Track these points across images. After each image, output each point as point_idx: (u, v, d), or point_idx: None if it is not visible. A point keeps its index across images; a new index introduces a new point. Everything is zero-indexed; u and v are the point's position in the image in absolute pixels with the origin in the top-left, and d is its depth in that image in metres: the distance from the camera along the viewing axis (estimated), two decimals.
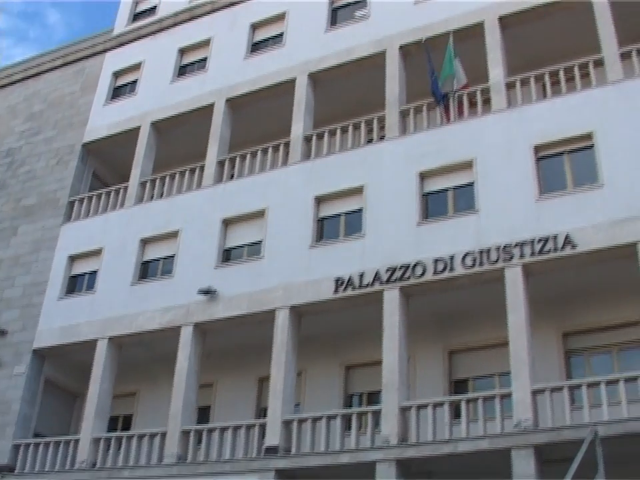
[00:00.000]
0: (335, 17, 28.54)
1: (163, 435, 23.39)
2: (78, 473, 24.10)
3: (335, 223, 24.16)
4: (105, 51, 33.97)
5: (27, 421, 26.22)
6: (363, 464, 20.07)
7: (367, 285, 22.05)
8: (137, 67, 32.36)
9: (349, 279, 22.31)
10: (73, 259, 28.63)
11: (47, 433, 26.38)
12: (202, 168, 27.62)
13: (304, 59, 27.57)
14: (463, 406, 19.88)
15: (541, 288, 20.79)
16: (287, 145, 26.33)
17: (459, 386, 22.66)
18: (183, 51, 31.50)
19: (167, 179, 28.35)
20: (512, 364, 19.49)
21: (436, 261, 21.38)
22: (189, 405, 23.61)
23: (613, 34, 22.77)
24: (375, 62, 26.18)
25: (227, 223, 25.85)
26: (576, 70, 22.94)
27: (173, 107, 29.73)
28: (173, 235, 26.67)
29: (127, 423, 27.29)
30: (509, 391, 19.39)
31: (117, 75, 32.89)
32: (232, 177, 27.15)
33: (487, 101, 23.78)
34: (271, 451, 21.38)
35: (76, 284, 28.32)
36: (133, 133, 30.17)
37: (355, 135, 25.49)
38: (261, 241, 24.81)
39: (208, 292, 24.27)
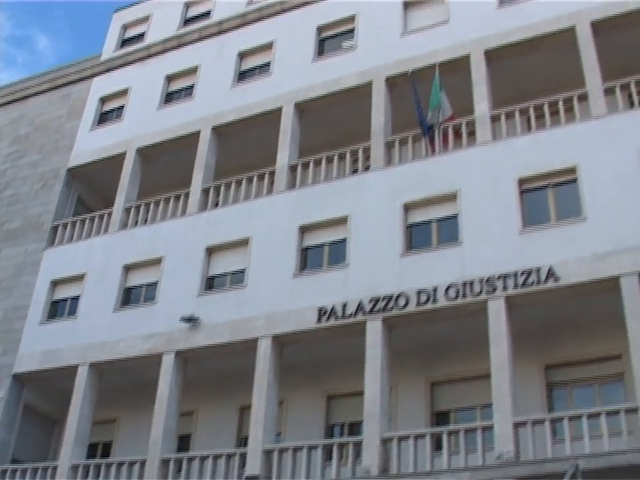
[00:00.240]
0: (322, 47, 28.75)
1: (143, 462, 23.18)
2: None
3: (318, 252, 24.17)
4: (92, 76, 34.01)
5: (4, 447, 25.93)
6: None
7: (350, 315, 22.02)
8: (123, 92, 32.40)
9: (332, 309, 22.27)
10: (55, 283, 28.49)
11: (24, 459, 26.12)
12: (187, 195, 27.62)
13: (290, 89, 27.72)
14: (445, 438, 19.80)
15: (524, 320, 20.82)
16: (272, 173, 26.39)
17: (440, 417, 22.57)
18: (170, 78, 31.61)
19: (152, 206, 28.34)
20: (494, 396, 19.45)
21: (419, 292, 21.39)
22: (169, 432, 23.43)
23: (596, 69, 23.04)
24: (361, 93, 26.35)
25: (211, 250, 25.81)
26: (560, 104, 23.17)
27: (159, 134, 29.77)
28: (157, 261, 26.61)
29: (106, 450, 27.02)
30: (491, 423, 19.33)
31: (103, 100, 32.93)
32: (216, 204, 27.17)
33: (471, 134, 23.94)
34: None
35: (58, 309, 28.15)
36: (119, 159, 30.16)
37: (340, 165, 25.59)
38: (244, 270, 24.77)
39: (190, 320, 24.18)
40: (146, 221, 28.29)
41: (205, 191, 27.40)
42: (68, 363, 26.01)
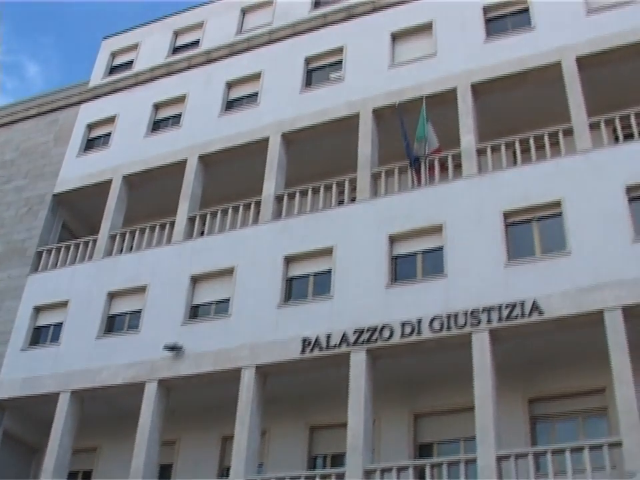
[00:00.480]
0: (310, 78, 28.91)
1: None
2: None
3: (303, 283, 24.16)
4: (80, 102, 34.06)
5: None
6: None
7: (334, 347, 21.98)
8: (111, 119, 32.45)
9: (316, 340, 22.23)
10: (38, 309, 28.36)
11: None
12: (172, 223, 27.62)
13: (278, 119, 27.84)
14: (428, 470, 19.75)
15: (508, 353, 20.87)
16: (258, 203, 26.44)
17: (423, 450, 22.51)
18: (157, 106, 31.68)
19: (137, 233, 28.31)
20: (477, 429, 19.42)
21: (403, 324, 21.39)
22: (151, 462, 23.25)
23: (582, 104, 23.24)
24: (348, 124, 26.50)
25: (196, 279, 25.77)
26: (546, 138, 23.36)
27: (146, 162, 29.80)
28: (141, 289, 26.52)
29: (86, 479, 26.80)
30: (474, 456, 19.28)
31: (90, 126, 32.96)
32: (202, 233, 27.17)
33: (457, 166, 24.10)
34: None
35: (40, 335, 27.99)
36: (105, 186, 30.14)
37: (326, 196, 25.66)
38: (229, 299, 24.72)
39: (174, 348, 24.08)
40: (131, 248, 28.24)
41: (191, 220, 27.40)
42: (49, 390, 25.83)
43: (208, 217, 27.22)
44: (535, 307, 20.17)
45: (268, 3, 32.70)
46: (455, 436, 22.00)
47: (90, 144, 32.56)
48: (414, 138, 24.37)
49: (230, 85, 30.45)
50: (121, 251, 28.33)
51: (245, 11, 33.12)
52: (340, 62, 28.47)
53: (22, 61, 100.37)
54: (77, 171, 31.39)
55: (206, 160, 28.77)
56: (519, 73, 24.78)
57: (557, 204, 21.74)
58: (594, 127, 22.98)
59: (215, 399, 24.36)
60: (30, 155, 33.58)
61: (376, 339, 21.59)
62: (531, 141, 23.46)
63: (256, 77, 29.94)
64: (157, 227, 27.98)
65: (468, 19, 26.86)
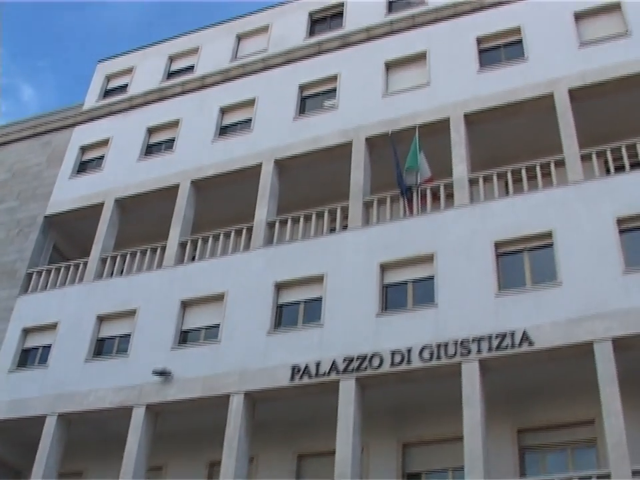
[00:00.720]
0: (304, 105, 29.03)
1: None
2: None
3: (294, 310, 24.13)
4: (73, 124, 34.10)
5: None
6: None
7: (324, 374, 21.92)
8: (104, 142, 32.49)
9: (306, 367, 22.18)
10: (27, 331, 28.20)
11: None
12: (163, 248, 27.60)
13: (271, 145, 27.91)
14: None
15: (498, 383, 20.84)
16: (249, 229, 26.45)
17: (412, 479, 22.41)
18: (151, 130, 31.74)
19: (128, 257, 28.28)
20: (466, 459, 19.33)
21: (393, 352, 21.36)
22: None
23: (574, 135, 23.41)
24: (341, 152, 26.59)
25: (186, 304, 25.72)
26: (538, 169, 23.49)
27: (138, 185, 29.81)
28: (131, 313, 26.44)
29: None
30: None
31: (84, 149, 32.98)
32: (193, 258, 27.16)
33: (449, 196, 24.17)
34: None
35: (28, 357, 27.83)
36: (97, 209, 30.13)
37: (318, 223, 25.71)
38: (218, 325, 24.65)
39: (163, 373, 23.98)
40: (122, 272, 28.20)
41: (182, 245, 27.40)
42: (36, 412, 25.65)
43: (199, 242, 27.22)
44: (525, 337, 20.19)
45: (263, 29, 32.90)
46: (443, 466, 21.92)
47: (83, 166, 32.56)
48: (405, 166, 24.45)
49: (224, 111, 30.55)
50: (112, 274, 28.26)
51: (240, 37, 33.29)
52: (334, 90, 28.61)
53: (17, 84, 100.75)
54: (69, 193, 31.38)
55: (198, 185, 28.80)
56: (511, 103, 24.95)
57: (548, 235, 21.81)
58: (585, 158, 23.13)
59: (203, 424, 24.23)
60: (22, 176, 33.56)
61: (365, 368, 21.55)
62: (523, 172, 23.58)
63: (250, 103, 30.04)
64: (148, 250, 27.95)
65: (462, 49, 27.06)
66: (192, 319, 25.48)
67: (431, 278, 22.54)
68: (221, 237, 26.80)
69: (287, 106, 28.93)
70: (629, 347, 19.47)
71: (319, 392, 22.15)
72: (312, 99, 29.09)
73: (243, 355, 23.44)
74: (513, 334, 20.34)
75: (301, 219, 25.84)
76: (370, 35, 29.33)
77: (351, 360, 21.78)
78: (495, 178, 23.88)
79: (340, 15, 31.48)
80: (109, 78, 35.59)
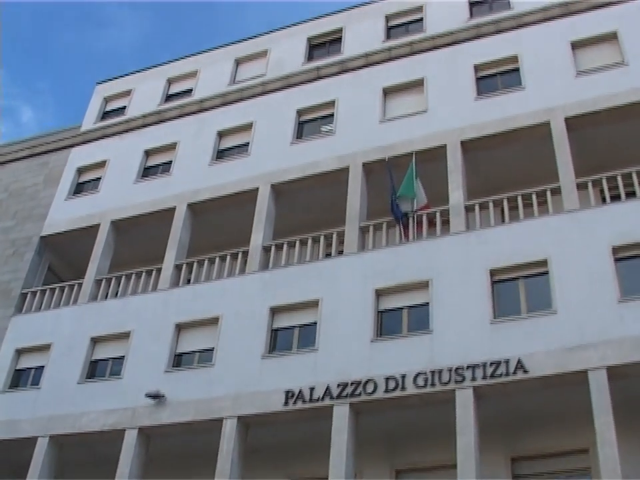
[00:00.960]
0: (301, 130, 29.12)
1: None
2: None
3: (288, 334, 24.08)
4: (71, 146, 34.14)
5: None
6: None
7: (318, 400, 21.86)
8: (101, 164, 32.52)
9: (300, 392, 22.12)
10: (20, 352, 28.10)
11: None
12: (159, 270, 27.59)
13: (268, 170, 27.96)
14: None
15: (492, 411, 20.81)
16: (245, 253, 26.46)
17: None
18: (148, 153, 31.79)
19: (123, 279, 28.27)
20: None
21: (387, 379, 21.31)
22: None
23: (570, 164, 23.47)
24: (338, 177, 26.66)
25: (180, 327, 25.67)
26: (534, 197, 23.56)
27: (134, 208, 29.81)
28: (125, 335, 26.37)
29: None
30: None
31: (81, 170, 33.00)
32: (188, 281, 27.14)
33: (445, 222, 24.20)
34: None
35: (20, 378, 27.72)
36: (92, 230, 30.12)
37: (314, 248, 25.73)
38: (213, 348, 24.59)
39: (156, 396, 23.90)
40: (116, 294, 28.16)
41: (178, 267, 27.38)
42: (28, 434, 25.55)
43: (195, 265, 27.22)
44: (519, 365, 20.16)
45: (262, 54, 33.05)
46: None
47: (79, 188, 32.57)
48: (400, 192, 24.49)
49: (221, 135, 30.62)
50: (106, 296, 28.24)
51: (238, 62, 33.43)
52: (331, 115, 28.72)
53: (17, 106, 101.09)
54: (65, 214, 31.39)
55: (195, 208, 28.82)
56: (508, 131, 25.05)
57: (544, 263, 21.83)
58: (581, 186, 23.20)
59: (196, 448, 24.14)
60: (19, 196, 33.56)
61: (359, 393, 21.50)
62: (519, 199, 23.64)
63: (247, 127, 30.13)
64: (144, 273, 27.93)
65: (459, 76, 27.20)
66: (186, 342, 25.42)
67: (426, 304, 22.54)
68: (217, 260, 26.82)
69: (284, 130, 29.02)
70: (624, 376, 19.45)
71: (313, 417, 22.10)
72: (309, 123, 29.19)
73: (236, 379, 23.38)
74: (507, 362, 20.31)
75: (297, 244, 25.87)
76: (368, 61, 29.49)
77: (345, 385, 21.73)
78: (491, 205, 23.93)
79: (338, 40, 31.66)
80: (107, 100, 35.67)
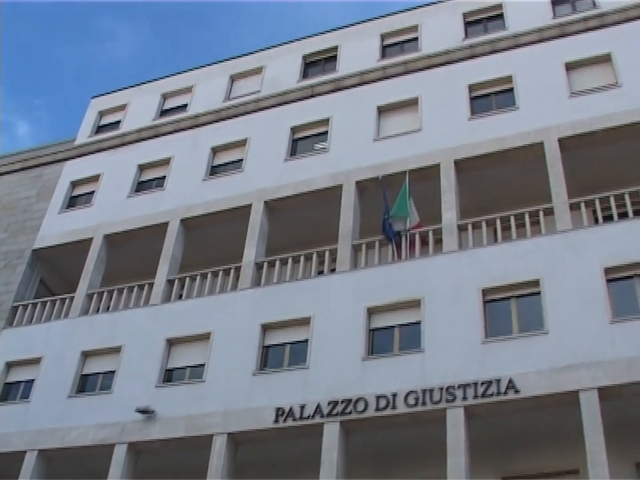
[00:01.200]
0: (295, 147, 29.16)
1: None
2: None
3: (279, 351, 24.03)
4: (65, 159, 34.14)
5: None
6: None
7: (308, 417, 21.81)
8: (95, 178, 32.50)
9: (290, 410, 22.06)
10: (9, 365, 28.01)
11: None
12: (151, 285, 27.55)
13: (261, 186, 27.99)
14: None
15: (483, 430, 20.76)
16: (237, 269, 26.45)
17: None
18: (142, 167, 31.79)
19: (115, 293, 28.22)
20: None
21: (378, 397, 21.27)
22: None
23: (563, 184, 23.54)
24: (331, 195, 26.69)
25: (172, 342, 25.61)
26: (526, 217, 23.62)
27: (127, 222, 29.79)
28: (116, 350, 26.30)
29: None
30: None
31: (74, 184, 32.97)
32: (180, 297, 27.10)
33: (438, 241, 24.24)
34: None
35: (10, 392, 27.60)
36: (85, 244, 30.07)
37: (306, 266, 25.75)
38: (204, 364, 24.53)
39: (146, 411, 23.83)
40: (108, 308, 28.11)
41: (170, 282, 27.35)
42: (16, 448, 25.41)
43: (187, 280, 27.19)
44: (510, 385, 20.15)
45: (257, 70, 33.14)
46: None
47: (73, 201, 32.54)
48: (393, 212, 24.52)
49: (215, 150, 30.64)
50: (98, 310, 28.18)
51: (233, 78, 33.52)
52: (325, 133, 28.78)
53: (14, 120, 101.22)
54: (58, 227, 31.34)
55: (188, 223, 28.81)
56: (501, 151, 25.14)
57: (536, 283, 21.85)
58: (574, 207, 23.26)
59: (186, 464, 24.00)
60: (12, 208, 33.50)
61: (350, 412, 21.45)
62: (512, 219, 23.70)
63: (241, 143, 30.16)
64: (135, 287, 27.88)
65: (453, 96, 27.30)
66: (177, 358, 25.35)
67: (418, 323, 22.52)
68: (209, 276, 26.81)
69: (278, 147, 29.05)
70: (615, 396, 19.47)
71: (303, 435, 22.02)
72: (303, 141, 29.25)
73: (227, 396, 23.32)
74: (498, 381, 20.30)
75: (289, 261, 25.89)
76: (363, 79, 29.59)
77: (336, 403, 21.68)
78: (483, 225, 23.99)
79: (334, 58, 31.77)
80: (102, 114, 35.68)
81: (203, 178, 29.74)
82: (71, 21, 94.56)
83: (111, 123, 35.09)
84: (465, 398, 20.46)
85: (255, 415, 22.54)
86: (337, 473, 20.73)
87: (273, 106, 30.74)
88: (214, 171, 30.10)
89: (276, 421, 22.14)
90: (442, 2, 31.18)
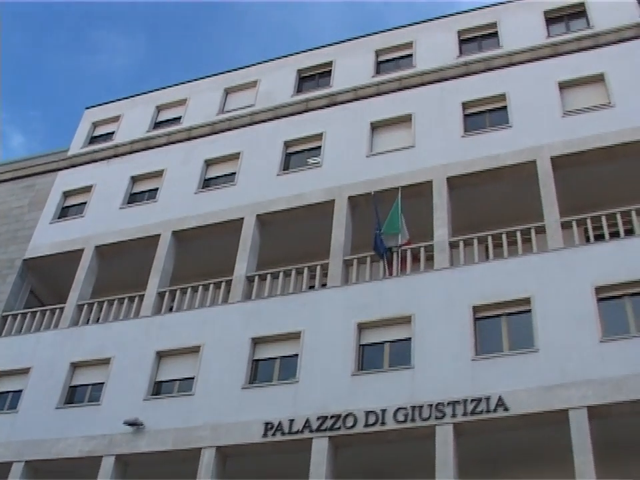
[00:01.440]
0: (288, 161, 29.20)
1: None
2: None
3: (269, 365, 23.99)
4: (57, 169, 34.09)
5: None
6: None
7: (297, 432, 21.77)
8: (87, 189, 32.46)
9: (279, 424, 22.02)
10: None
11: None
12: (141, 297, 27.49)
13: (253, 200, 28.00)
14: None
15: (472, 448, 20.72)
16: (228, 283, 26.43)
17: None
18: (135, 179, 31.77)
19: (105, 305, 28.14)
20: None
21: (368, 413, 21.24)
22: None
23: (555, 203, 23.63)
24: (323, 210, 26.72)
25: (161, 355, 25.53)
26: (518, 235, 23.69)
27: (119, 234, 29.75)
28: (105, 361, 26.20)
29: None
30: None
31: (66, 194, 32.92)
32: (171, 309, 27.05)
33: (430, 258, 24.27)
34: None
35: None
36: (76, 255, 30.00)
37: (297, 280, 25.74)
38: (193, 377, 24.46)
39: (134, 424, 23.73)
40: (98, 319, 28.03)
41: (160, 295, 27.30)
42: (2, 458, 25.26)
43: (177, 293, 27.16)
44: (500, 402, 20.16)
45: (251, 84, 33.21)
46: None
47: (64, 212, 32.48)
48: (385, 228, 24.53)
49: (208, 163, 30.65)
50: (88, 321, 28.08)
51: (228, 91, 33.57)
52: (319, 147, 28.82)
53: (8, 132, 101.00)
54: (49, 237, 31.27)
55: (179, 236, 28.79)
56: (494, 169, 25.24)
57: (527, 301, 21.89)
58: (566, 226, 23.36)
59: (174, 477, 23.83)
60: (3, 218, 33.42)
61: (339, 427, 21.42)
62: (504, 237, 23.77)
63: (235, 156, 30.18)
64: (126, 299, 27.83)
65: (447, 113, 27.39)
66: (167, 370, 25.28)
67: (408, 339, 22.52)
68: (200, 289, 26.77)
69: (271, 161, 29.09)
70: (604, 415, 19.51)
71: (292, 449, 21.97)
72: (296, 155, 29.29)
73: (216, 409, 23.26)
74: (488, 399, 20.31)
75: (281, 275, 25.89)
76: (357, 95, 29.68)
77: (325, 418, 21.64)
78: (475, 242, 24.04)
79: (328, 73, 31.88)
80: (95, 125, 35.69)
81: (195, 191, 29.73)
82: (66, 32, 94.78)
83: (105, 134, 35.11)
84: (454, 415, 20.45)
85: (243, 429, 22.47)
86: None
87: (267, 120, 30.80)
88: (207, 183, 30.10)
89: (265, 435, 22.09)
90: (437, 19, 31.34)
